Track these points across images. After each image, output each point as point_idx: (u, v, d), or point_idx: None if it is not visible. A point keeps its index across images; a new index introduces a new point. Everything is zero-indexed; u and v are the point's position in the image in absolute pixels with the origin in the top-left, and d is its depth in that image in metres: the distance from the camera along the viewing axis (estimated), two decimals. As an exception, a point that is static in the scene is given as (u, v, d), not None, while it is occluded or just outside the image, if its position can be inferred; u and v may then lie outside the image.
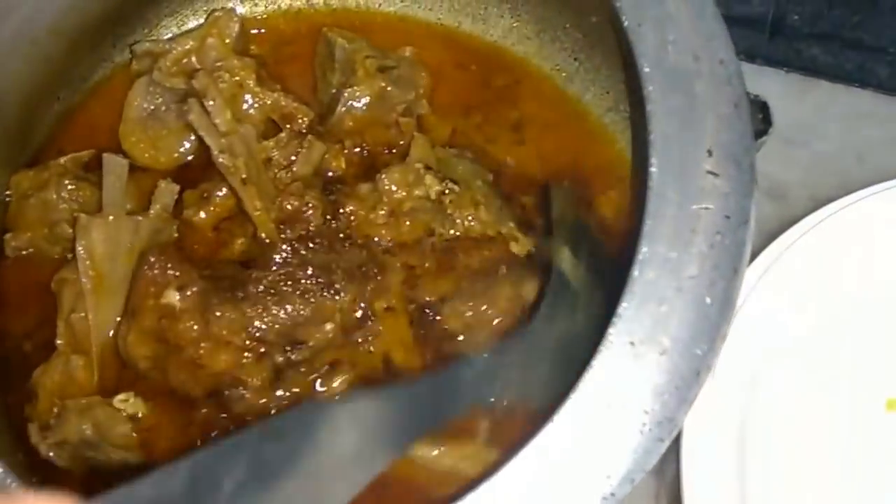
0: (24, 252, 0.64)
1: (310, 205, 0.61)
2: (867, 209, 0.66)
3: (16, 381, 0.60)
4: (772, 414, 0.62)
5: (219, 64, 0.65)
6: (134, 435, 0.58)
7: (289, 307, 0.58)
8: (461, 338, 0.60)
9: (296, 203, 0.61)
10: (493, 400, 0.55)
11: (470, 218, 0.62)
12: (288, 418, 0.46)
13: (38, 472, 0.57)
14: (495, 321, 0.60)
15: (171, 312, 0.57)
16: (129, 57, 0.68)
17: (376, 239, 0.61)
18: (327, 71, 0.68)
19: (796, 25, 0.78)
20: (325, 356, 0.59)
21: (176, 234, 0.62)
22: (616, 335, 0.48)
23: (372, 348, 0.60)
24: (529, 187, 0.66)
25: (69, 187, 0.63)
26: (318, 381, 0.59)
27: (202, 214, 0.62)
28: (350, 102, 0.65)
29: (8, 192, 0.65)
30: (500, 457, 0.47)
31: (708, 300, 0.49)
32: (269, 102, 0.65)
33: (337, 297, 0.59)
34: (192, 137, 0.65)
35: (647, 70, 0.53)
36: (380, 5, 0.72)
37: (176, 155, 0.66)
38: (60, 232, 0.63)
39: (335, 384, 0.59)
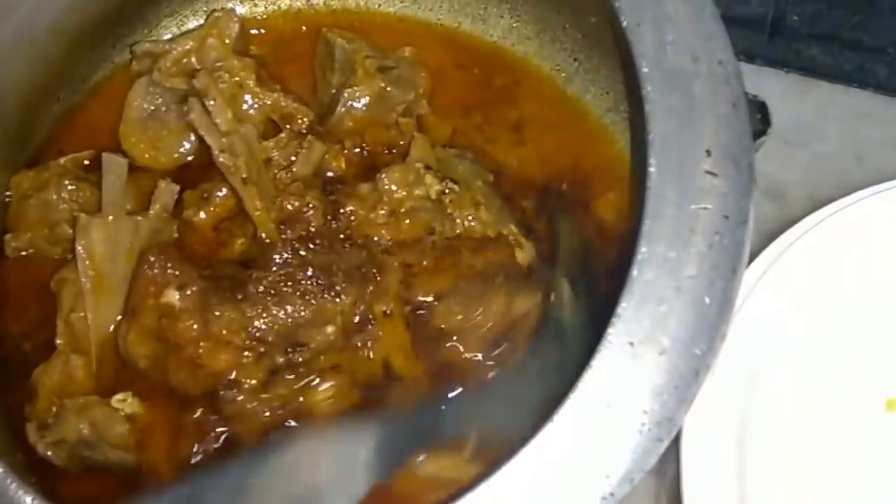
0: (24, 252, 0.64)
1: (310, 205, 0.61)
2: (866, 209, 0.66)
3: (15, 380, 0.60)
4: (771, 414, 0.62)
5: (219, 64, 0.65)
6: (130, 436, 0.58)
7: (289, 308, 0.58)
8: (455, 339, 0.60)
9: (296, 203, 0.61)
10: (473, 433, 0.56)
11: (470, 218, 0.62)
12: (270, 445, 0.46)
13: (37, 472, 0.57)
14: (485, 328, 0.60)
15: (170, 312, 0.57)
16: (129, 57, 0.68)
17: (376, 239, 0.61)
18: (327, 71, 0.68)
19: (795, 26, 0.78)
20: (325, 359, 0.59)
21: (176, 234, 0.62)
22: (615, 335, 0.48)
23: (371, 354, 0.60)
24: (529, 190, 0.66)
25: (69, 187, 0.63)
26: (313, 384, 0.59)
27: (202, 214, 0.62)
28: (350, 103, 0.65)
29: (8, 193, 0.65)
30: (484, 469, 0.47)
31: (707, 300, 0.49)
32: (268, 103, 0.65)
33: (338, 300, 0.58)
34: (192, 137, 0.65)
35: (645, 70, 0.53)
36: (380, 6, 0.72)
37: (176, 155, 0.66)
38: (60, 232, 0.63)
39: (323, 388, 0.58)
